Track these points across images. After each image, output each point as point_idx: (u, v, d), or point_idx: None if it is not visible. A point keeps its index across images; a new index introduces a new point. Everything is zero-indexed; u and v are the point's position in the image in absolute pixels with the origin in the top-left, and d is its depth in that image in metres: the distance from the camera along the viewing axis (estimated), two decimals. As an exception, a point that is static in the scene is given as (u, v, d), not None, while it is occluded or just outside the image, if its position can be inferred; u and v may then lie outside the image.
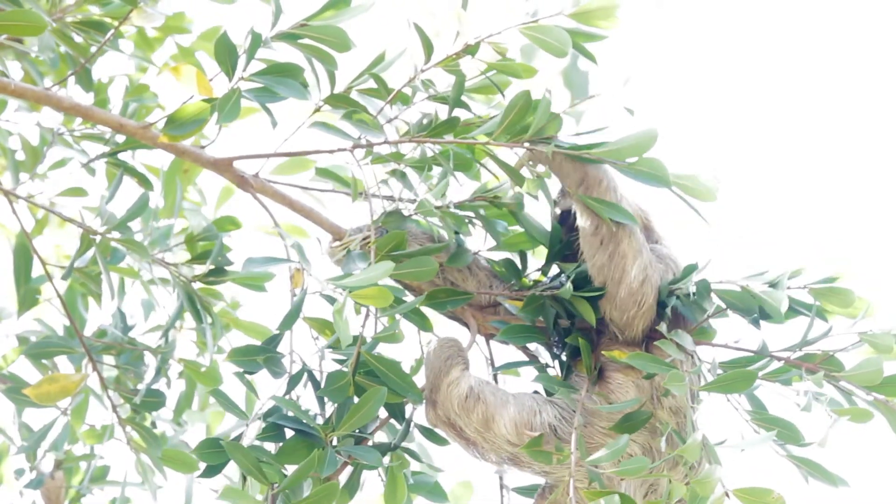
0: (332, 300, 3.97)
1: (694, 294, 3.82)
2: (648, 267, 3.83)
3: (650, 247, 3.98)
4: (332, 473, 3.75)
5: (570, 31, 3.90)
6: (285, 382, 3.94)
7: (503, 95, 4.06)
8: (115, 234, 4.28)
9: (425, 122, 4.00)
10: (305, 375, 3.96)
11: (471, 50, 4.00)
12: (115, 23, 4.55)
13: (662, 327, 3.81)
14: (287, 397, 3.91)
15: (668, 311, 3.84)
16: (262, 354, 3.93)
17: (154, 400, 4.50)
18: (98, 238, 4.30)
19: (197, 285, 4.37)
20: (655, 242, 4.08)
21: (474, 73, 4.03)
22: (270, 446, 3.83)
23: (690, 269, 3.87)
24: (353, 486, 3.85)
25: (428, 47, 4.02)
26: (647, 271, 3.82)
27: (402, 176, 4.08)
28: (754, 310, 3.81)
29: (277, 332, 3.96)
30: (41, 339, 4.64)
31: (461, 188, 4.08)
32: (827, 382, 3.72)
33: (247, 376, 3.94)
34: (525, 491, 4.00)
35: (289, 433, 3.83)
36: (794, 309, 3.82)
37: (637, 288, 3.82)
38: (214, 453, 3.79)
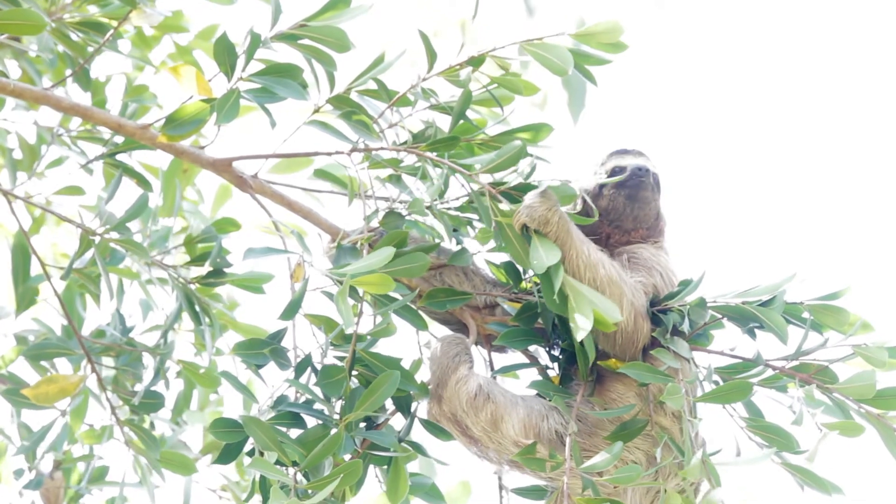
0: (332, 296, 3.94)
1: (689, 312, 3.82)
2: (634, 299, 3.80)
3: (635, 254, 3.97)
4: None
5: (573, 51, 3.91)
6: (283, 380, 3.93)
7: (503, 109, 4.06)
8: (114, 235, 4.27)
9: (428, 132, 3.99)
10: (309, 369, 3.95)
11: (474, 62, 4.01)
12: (114, 23, 4.54)
13: (658, 332, 3.81)
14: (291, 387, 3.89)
15: (666, 323, 3.84)
16: (267, 347, 3.92)
17: (152, 401, 4.49)
18: (97, 239, 4.29)
19: (195, 287, 4.37)
20: (654, 241, 4.06)
21: (477, 86, 4.03)
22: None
23: (686, 284, 3.87)
24: (360, 478, 3.82)
25: (431, 56, 4.02)
26: (633, 305, 3.79)
27: (397, 180, 4.08)
28: (751, 321, 3.82)
29: (280, 320, 3.92)
30: (40, 341, 4.63)
31: (462, 188, 4.07)
32: (821, 393, 3.74)
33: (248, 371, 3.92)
34: (524, 492, 3.99)
35: (301, 419, 3.81)
36: (789, 320, 3.83)
37: (631, 330, 3.79)
38: (229, 432, 3.76)
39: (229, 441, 3.77)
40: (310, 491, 3.58)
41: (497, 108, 4.12)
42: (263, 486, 3.71)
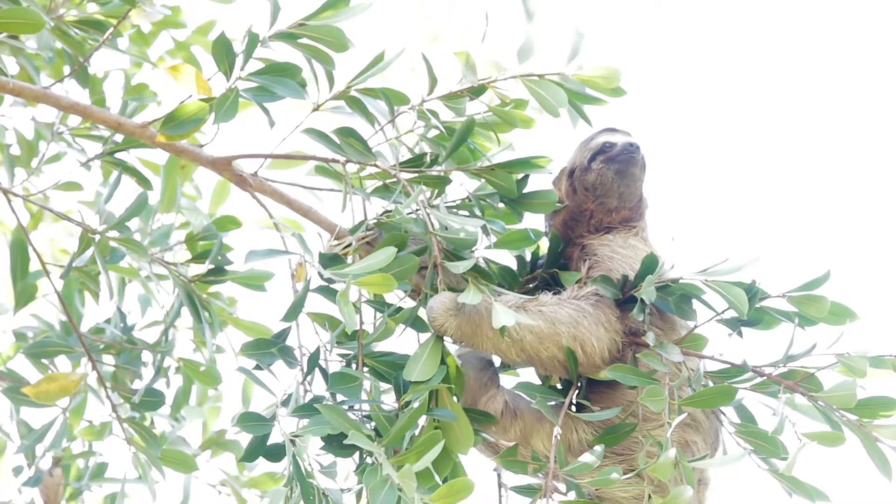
0: (332, 292, 3.93)
1: (666, 293, 3.81)
2: (576, 331, 3.76)
3: (597, 254, 3.93)
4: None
5: (570, 91, 3.92)
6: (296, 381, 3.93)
7: (498, 140, 4.07)
8: (114, 234, 4.27)
9: (428, 159, 4.00)
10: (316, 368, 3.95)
11: (474, 91, 4.02)
12: (114, 21, 4.54)
13: (649, 337, 3.78)
14: (302, 385, 3.89)
15: (645, 307, 3.81)
16: (274, 346, 3.92)
17: (153, 399, 4.49)
18: (97, 237, 4.29)
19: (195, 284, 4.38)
20: (632, 226, 4.05)
21: (474, 112, 4.04)
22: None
23: (652, 263, 3.81)
24: None
25: (432, 80, 4.03)
26: (577, 338, 3.75)
27: (386, 190, 4.08)
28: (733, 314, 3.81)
29: (282, 322, 3.92)
30: (41, 339, 4.63)
31: (460, 187, 4.08)
32: (806, 401, 3.75)
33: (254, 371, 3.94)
34: (523, 490, 4.00)
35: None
36: (775, 316, 3.83)
37: (583, 360, 3.76)
38: (257, 425, 3.74)
39: (257, 434, 3.73)
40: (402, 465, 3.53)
41: (500, 133, 4.11)
42: (301, 477, 3.67)
